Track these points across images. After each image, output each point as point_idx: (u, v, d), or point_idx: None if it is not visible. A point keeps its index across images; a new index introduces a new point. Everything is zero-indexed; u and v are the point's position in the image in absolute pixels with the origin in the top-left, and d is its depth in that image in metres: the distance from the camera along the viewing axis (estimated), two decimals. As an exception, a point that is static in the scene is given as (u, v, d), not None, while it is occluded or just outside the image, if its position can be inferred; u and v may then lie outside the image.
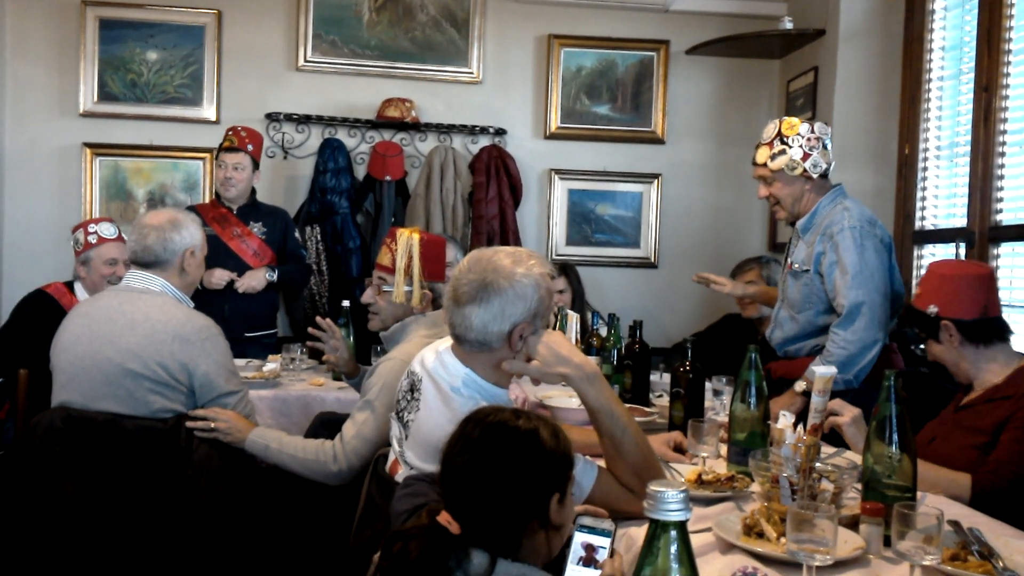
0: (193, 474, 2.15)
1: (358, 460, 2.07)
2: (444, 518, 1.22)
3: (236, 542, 2.28)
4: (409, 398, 1.73)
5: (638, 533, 1.54)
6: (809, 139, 2.58)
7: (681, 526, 0.85)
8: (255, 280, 3.61)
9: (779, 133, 2.59)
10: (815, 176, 2.61)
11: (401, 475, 1.67)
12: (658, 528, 0.85)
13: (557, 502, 1.23)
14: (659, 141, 4.65)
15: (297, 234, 3.96)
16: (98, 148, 4.31)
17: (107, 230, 3.27)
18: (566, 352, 1.60)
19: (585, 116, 4.62)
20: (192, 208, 3.67)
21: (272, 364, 3.18)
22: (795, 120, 2.61)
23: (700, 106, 4.70)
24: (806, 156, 2.57)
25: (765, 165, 2.62)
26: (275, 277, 3.68)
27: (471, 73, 4.52)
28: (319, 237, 4.32)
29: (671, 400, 2.28)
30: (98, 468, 2.15)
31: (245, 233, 3.72)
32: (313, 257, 4.30)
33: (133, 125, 4.33)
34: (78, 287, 3.25)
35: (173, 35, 4.34)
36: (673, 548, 0.83)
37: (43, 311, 3.13)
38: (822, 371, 1.72)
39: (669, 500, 0.83)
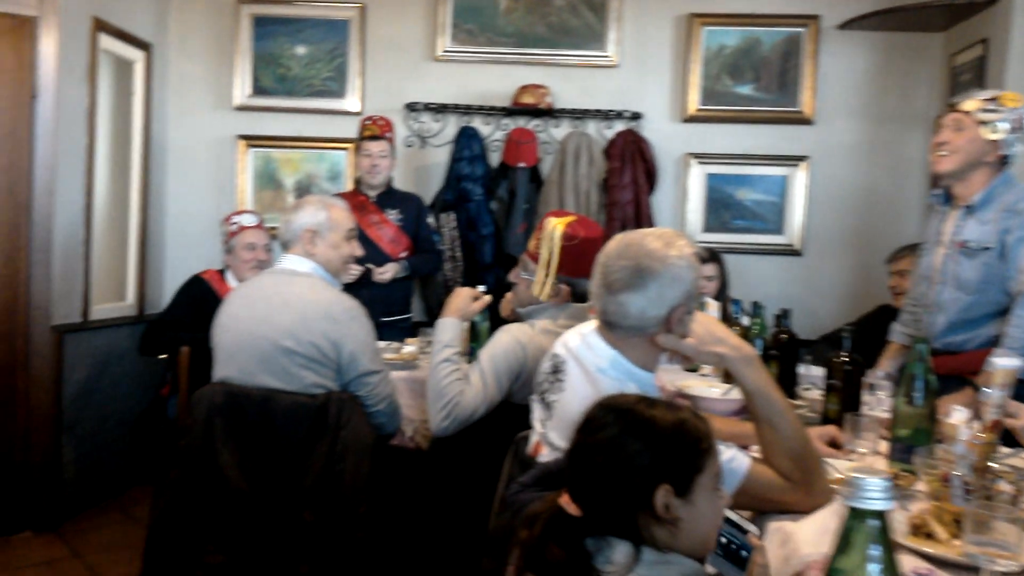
0: (342, 450, 2.23)
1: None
2: (565, 499, 1.19)
3: (377, 520, 2.34)
4: (552, 379, 1.71)
5: (794, 529, 1.46)
6: (1021, 119, 2.49)
7: (881, 515, 0.79)
8: (392, 272, 3.71)
9: (997, 98, 2.51)
10: (1003, 152, 2.50)
11: (544, 456, 1.65)
12: (855, 517, 0.79)
13: (670, 495, 1.13)
14: (807, 122, 4.41)
15: (430, 219, 4.03)
16: (251, 139, 4.55)
17: (246, 219, 3.52)
18: (722, 333, 1.56)
19: (726, 97, 4.45)
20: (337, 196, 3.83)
21: (410, 347, 3.27)
22: (1019, 96, 2.52)
23: (853, 84, 4.42)
24: (1011, 131, 2.48)
25: (969, 113, 2.50)
26: (408, 271, 3.80)
27: (607, 57, 4.45)
28: (454, 224, 4.39)
29: (826, 393, 2.16)
30: (254, 440, 2.26)
31: (382, 220, 3.82)
32: (448, 243, 4.36)
33: (283, 117, 4.53)
34: (228, 275, 3.48)
35: (320, 30, 4.51)
36: (871, 539, 0.76)
37: (199, 295, 3.36)
38: (1003, 363, 1.59)
39: (870, 487, 0.76)
